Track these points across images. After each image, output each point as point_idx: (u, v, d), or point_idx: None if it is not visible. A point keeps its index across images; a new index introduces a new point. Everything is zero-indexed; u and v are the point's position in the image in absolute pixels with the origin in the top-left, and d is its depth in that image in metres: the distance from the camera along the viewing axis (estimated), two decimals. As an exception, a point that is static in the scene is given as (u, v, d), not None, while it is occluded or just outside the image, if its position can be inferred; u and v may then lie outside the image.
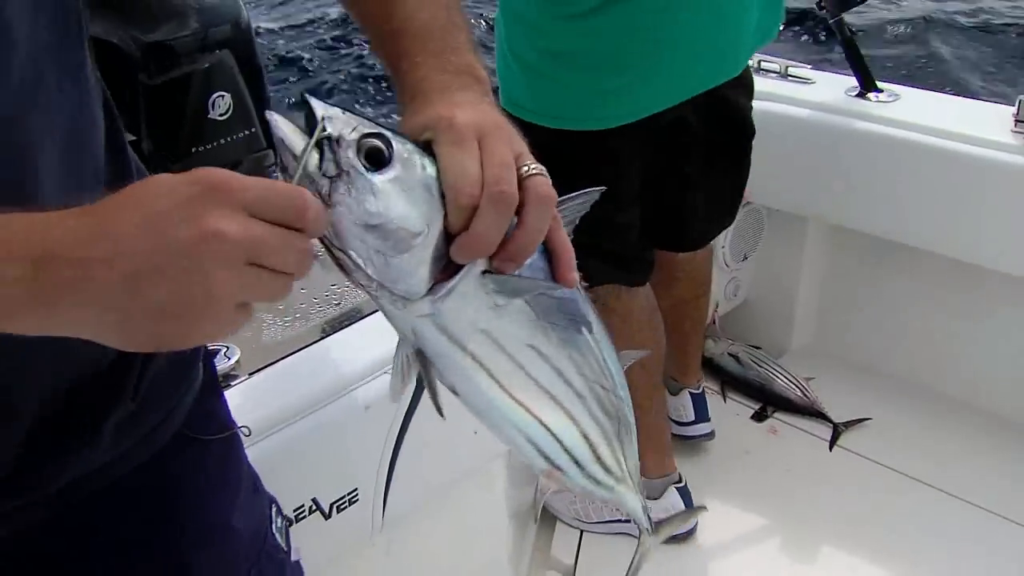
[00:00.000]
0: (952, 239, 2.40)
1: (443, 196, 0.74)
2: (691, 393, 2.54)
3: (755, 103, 2.25)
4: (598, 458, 0.89)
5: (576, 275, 0.82)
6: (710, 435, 2.56)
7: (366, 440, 1.58)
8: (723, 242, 2.75)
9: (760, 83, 2.39)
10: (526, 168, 0.78)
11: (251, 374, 1.56)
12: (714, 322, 2.89)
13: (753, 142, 2.23)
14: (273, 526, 1.17)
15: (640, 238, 2.14)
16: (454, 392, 0.81)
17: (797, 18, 6.06)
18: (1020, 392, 2.54)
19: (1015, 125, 2.25)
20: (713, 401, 2.74)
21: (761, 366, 2.72)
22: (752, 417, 2.69)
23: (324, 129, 0.72)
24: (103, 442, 0.94)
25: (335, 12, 7.29)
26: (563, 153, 1.92)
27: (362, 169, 0.72)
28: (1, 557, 0.94)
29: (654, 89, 1.94)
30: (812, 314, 2.92)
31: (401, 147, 0.74)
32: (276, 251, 0.67)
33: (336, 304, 1.75)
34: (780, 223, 2.81)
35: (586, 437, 0.87)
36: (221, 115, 3.35)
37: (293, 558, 1.20)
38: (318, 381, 1.55)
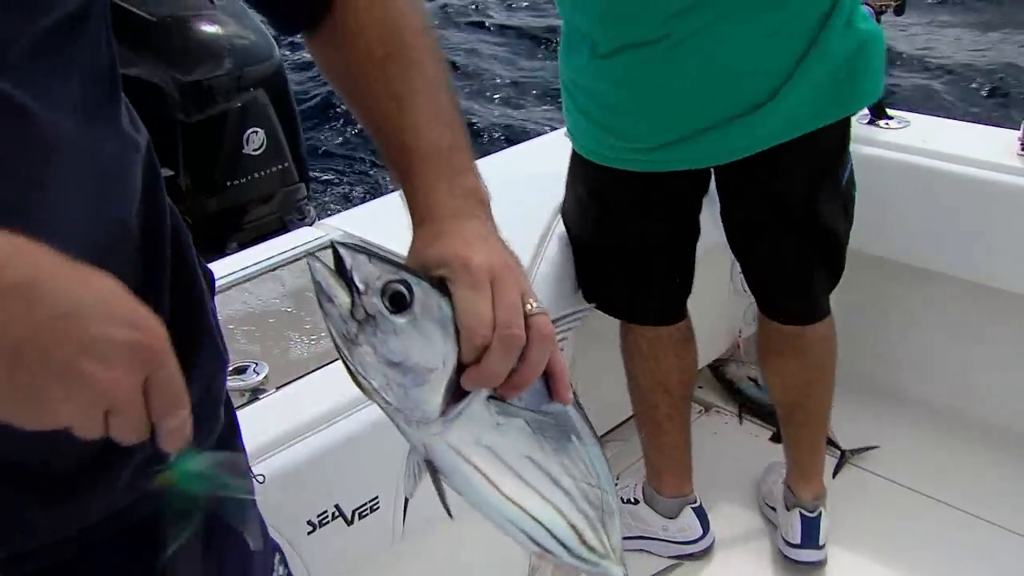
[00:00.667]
0: (964, 261, 2.45)
1: (457, 332, 0.83)
2: (802, 514, 2.26)
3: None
4: (584, 542, 0.96)
5: (571, 394, 0.91)
6: (818, 564, 2.28)
7: (387, 450, 1.65)
8: (739, 267, 2.81)
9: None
10: (529, 307, 0.85)
11: (278, 388, 1.65)
12: (737, 346, 2.96)
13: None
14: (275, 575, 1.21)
15: (667, 282, 2.18)
16: (457, 492, 0.90)
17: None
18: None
19: (1021, 148, 2.31)
20: (731, 424, 2.80)
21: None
22: (770, 439, 2.73)
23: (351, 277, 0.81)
24: (120, 483, 0.94)
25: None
26: (597, 185, 1.97)
27: (386, 313, 0.81)
28: None
29: (659, 140, 1.92)
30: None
31: (420, 291, 0.82)
32: (128, 419, 0.68)
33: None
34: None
35: (573, 527, 0.95)
36: (255, 150, 3.49)
37: None
38: (342, 393, 1.62)
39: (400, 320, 0.81)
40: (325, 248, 2.14)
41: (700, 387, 2.91)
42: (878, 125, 2.58)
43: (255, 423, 1.51)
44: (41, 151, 0.77)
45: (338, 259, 0.82)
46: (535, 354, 0.85)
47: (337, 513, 1.59)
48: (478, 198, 0.94)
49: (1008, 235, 2.35)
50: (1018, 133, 2.34)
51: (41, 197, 0.77)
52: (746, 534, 2.44)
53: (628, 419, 2.51)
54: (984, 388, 2.69)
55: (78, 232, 0.80)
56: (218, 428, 1.05)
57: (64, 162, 0.79)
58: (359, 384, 0.83)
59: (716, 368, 2.94)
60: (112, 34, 0.88)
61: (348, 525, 1.61)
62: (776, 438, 2.72)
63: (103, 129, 0.86)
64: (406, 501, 1.36)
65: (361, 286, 0.81)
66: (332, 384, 1.65)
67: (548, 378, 0.90)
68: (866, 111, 2.59)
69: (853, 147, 2.52)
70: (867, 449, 2.62)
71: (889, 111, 2.59)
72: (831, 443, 2.64)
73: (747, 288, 2.81)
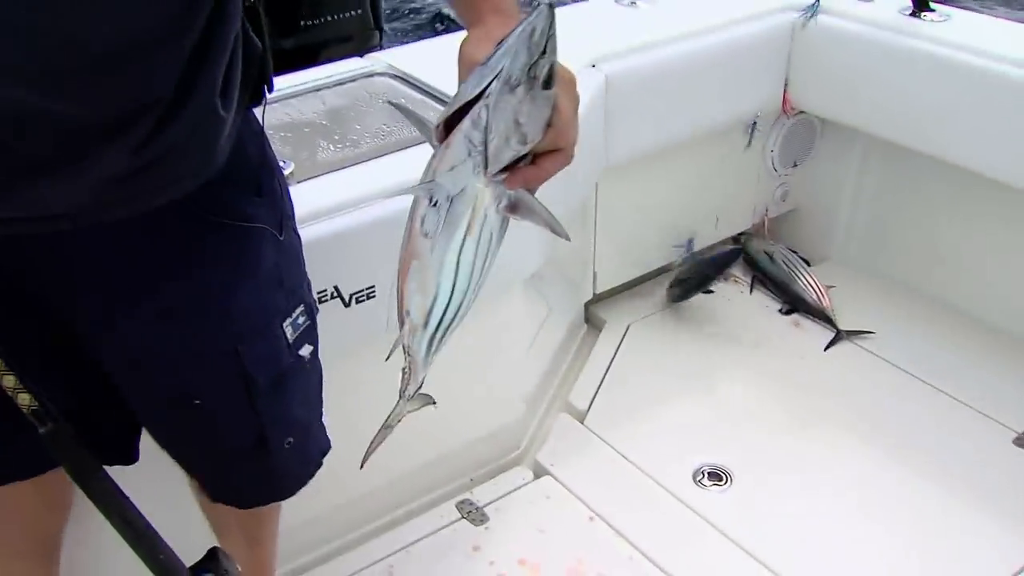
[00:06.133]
0: (996, 161, 2.49)
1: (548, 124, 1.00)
2: None
3: (821, 17, 2.43)
4: (440, 327, 1.11)
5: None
6: None
7: (388, 244, 1.85)
8: (772, 146, 2.93)
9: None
10: None
11: (299, 182, 1.85)
12: (763, 224, 3.09)
13: (799, 58, 2.07)
14: (286, 320, 1.38)
15: None
16: (435, 230, 1.03)
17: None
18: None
19: (1055, 49, 2.36)
20: (745, 293, 2.96)
21: (789, 267, 2.90)
22: (779, 311, 2.88)
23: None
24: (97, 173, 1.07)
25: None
26: None
27: (542, 82, 0.97)
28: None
29: None
30: (855, 225, 3.07)
31: (557, 84, 1.00)
32: None
33: (384, 137, 2.03)
34: (831, 134, 2.97)
35: (456, 309, 1.10)
36: (332, -8, 3.63)
37: (302, 354, 1.41)
38: (355, 190, 1.82)
39: (545, 93, 0.98)
40: (370, 76, 2.34)
41: (725, 259, 3.08)
42: (920, 17, 2.63)
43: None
44: None
45: (551, 21, 0.97)
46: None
47: (336, 293, 1.80)
48: (515, 10, 1.14)
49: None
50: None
51: None
52: (747, 389, 2.62)
53: None
54: (988, 285, 2.78)
55: None
56: (213, 169, 1.20)
57: None
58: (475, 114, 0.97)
59: (739, 239, 3.08)
60: None
61: (346, 307, 1.83)
62: (785, 311, 2.88)
63: None
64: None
65: (550, 52, 0.96)
66: (348, 182, 1.86)
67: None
68: (909, 2, 2.65)
69: (892, 37, 2.62)
70: (863, 333, 2.75)
71: (932, 4, 2.64)
72: (829, 321, 2.79)
73: (777, 168, 2.96)
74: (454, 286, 1.07)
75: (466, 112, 0.98)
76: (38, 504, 1.46)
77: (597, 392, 2.57)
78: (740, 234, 3.10)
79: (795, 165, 3.03)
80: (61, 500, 1.51)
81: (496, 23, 1.09)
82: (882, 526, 2.19)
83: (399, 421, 1.25)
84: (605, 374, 2.63)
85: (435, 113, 1.07)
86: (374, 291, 1.85)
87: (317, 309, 1.47)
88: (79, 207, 1.11)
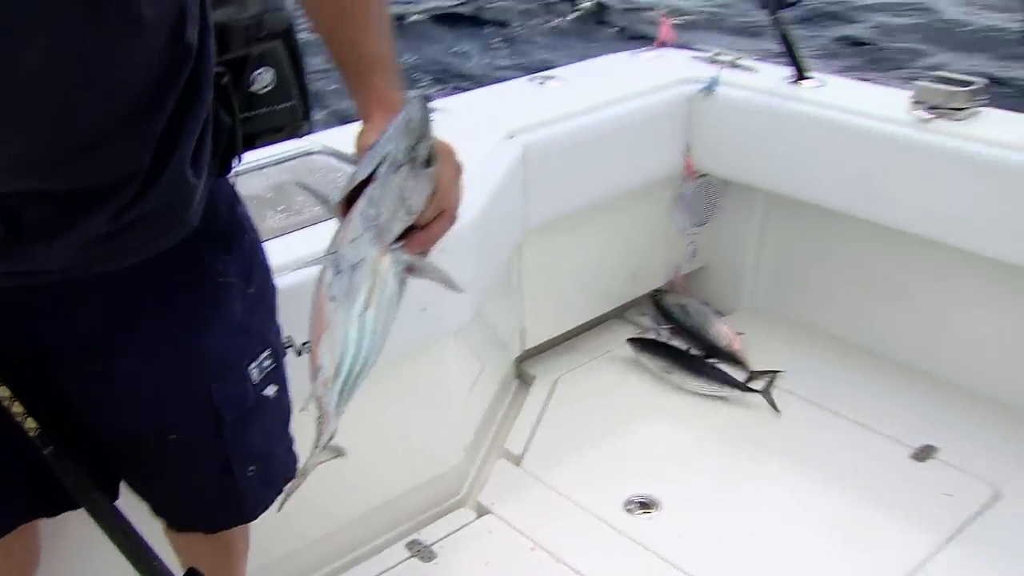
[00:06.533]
0: (874, 206, 2.78)
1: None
2: None
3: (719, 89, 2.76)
4: (348, 381, 1.23)
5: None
6: None
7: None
8: (679, 210, 3.21)
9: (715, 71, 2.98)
10: None
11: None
12: (676, 280, 3.34)
13: (697, 126, 2.42)
14: (252, 363, 1.54)
15: None
16: (341, 295, 1.19)
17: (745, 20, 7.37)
18: (917, 338, 2.98)
19: (911, 107, 2.67)
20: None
21: (701, 317, 3.15)
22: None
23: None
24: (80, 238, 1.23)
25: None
26: None
27: (422, 161, 1.16)
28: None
29: None
30: (761, 276, 3.34)
31: (437, 161, 1.19)
32: None
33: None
34: (733, 193, 3.25)
35: (361, 364, 1.22)
36: (264, 87, 3.88)
37: (266, 393, 1.55)
38: (296, 253, 2.01)
39: (426, 171, 1.16)
40: (308, 154, 2.55)
41: (643, 314, 3.32)
42: (800, 84, 2.94)
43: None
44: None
45: (426, 113, 1.15)
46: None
47: (291, 343, 1.97)
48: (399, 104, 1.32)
49: (905, 180, 2.68)
50: (910, 93, 2.69)
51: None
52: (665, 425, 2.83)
53: None
54: (879, 321, 3.06)
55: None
56: (188, 229, 1.36)
57: None
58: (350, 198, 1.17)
59: (655, 295, 3.32)
60: None
61: (298, 355, 1.99)
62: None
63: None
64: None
65: (426, 136, 1.15)
66: (290, 246, 2.05)
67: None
68: (791, 72, 2.96)
69: (779, 103, 2.92)
70: (772, 372, 2.97)
71: (810, 73, 2.95)
72: (741, 363, 3.01)
73: (686, 229, 3.22)
74: (359, 344, 1.21)
75: (361, 191, 1.16)
76: (6, 565, 1.58)
77: (531, 438, 2.75)
78: (656, 290, 3.33)
79: (702, 224, 3.29)
80: (27, 560, 1.64)
81: (381, 117, 1.26)
82: (797, 536, 2.39)
83: (313, 469, 1.35)
84: (538, 422, 2.82)
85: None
86: (321, 341, 2.03)
87: (284, 353, 1.64)
88: (63, 264, 1.26)
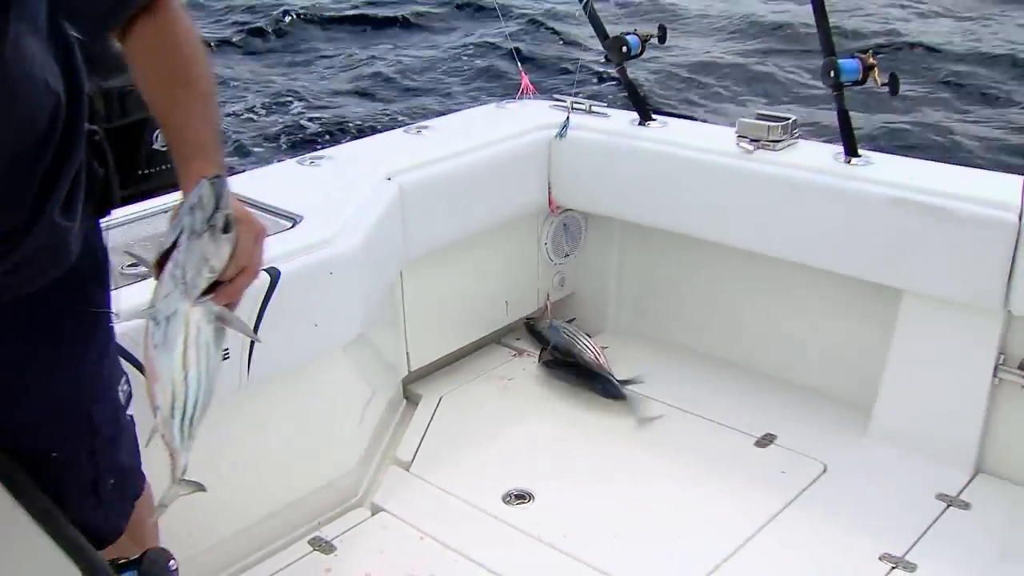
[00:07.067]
0: (712, 227, 3.17)
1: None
2: None
3: (571, 131, 3.16)
4: (184, 419, 1.41)
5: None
6: None
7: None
8: (545, 240, 3.58)
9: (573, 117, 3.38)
10: None
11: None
12: (546, 308, 3.69)
13: (557, 165, 2.74)
14: (119, 386, 1.74)
15: None
16: (159, 344, 1.37)
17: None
18: (757, 344, 3.38)
19: (737, 140, 3.09)
20: (534, 364, 3.52)
21: (570, 336, 3.47)
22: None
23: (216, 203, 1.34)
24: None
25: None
26: None
27: (220, 228, 1.34)
28: None
29: None
30: (622, 299, 3.71)
31: (236, 227, 1.37)
32: None
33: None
34: (594, 225, 3.64)
35: (193, 405, 1.41)
36: (163, 145, 4.14)
37: (130, 413, 1.76)
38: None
39: (225, 236, 1.35)
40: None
41: (518, 339, 3.66)
42: (645, 126, 3.34)
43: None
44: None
45: (219, 188, 1.34)
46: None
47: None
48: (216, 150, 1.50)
49: (735, 204, 3.08)
50: (735, 129, 3.12)
51: None
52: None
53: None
54: (724, 331, 3.46)
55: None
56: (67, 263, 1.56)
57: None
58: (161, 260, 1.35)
59: (528, 321, 3.67)
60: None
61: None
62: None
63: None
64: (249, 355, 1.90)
65: (222, 208, 1.33)
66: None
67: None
68: (636, 115, 3.36)
69: (629, 143, 3.32)
70: (634, 380, 3.31)
71: (654, 116, 3.37)
72: (608, 373, 3.36)
73: (552, 259, 3.58)
74: (186, 384, 1.39)
75: (170, 255, 1.36)
76: None
77: (419, 446, 3.04)
78: (528, 316, 3.68)
79: (567, 255, 3.66)
80: None
81: (198, 167, 1.41)
82: (656, 514, 2.73)
83: (172, 502, 1.52)
84: (425, 432, 3.12)
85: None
86: (227, 353, 2.31)
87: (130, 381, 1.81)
88: None
